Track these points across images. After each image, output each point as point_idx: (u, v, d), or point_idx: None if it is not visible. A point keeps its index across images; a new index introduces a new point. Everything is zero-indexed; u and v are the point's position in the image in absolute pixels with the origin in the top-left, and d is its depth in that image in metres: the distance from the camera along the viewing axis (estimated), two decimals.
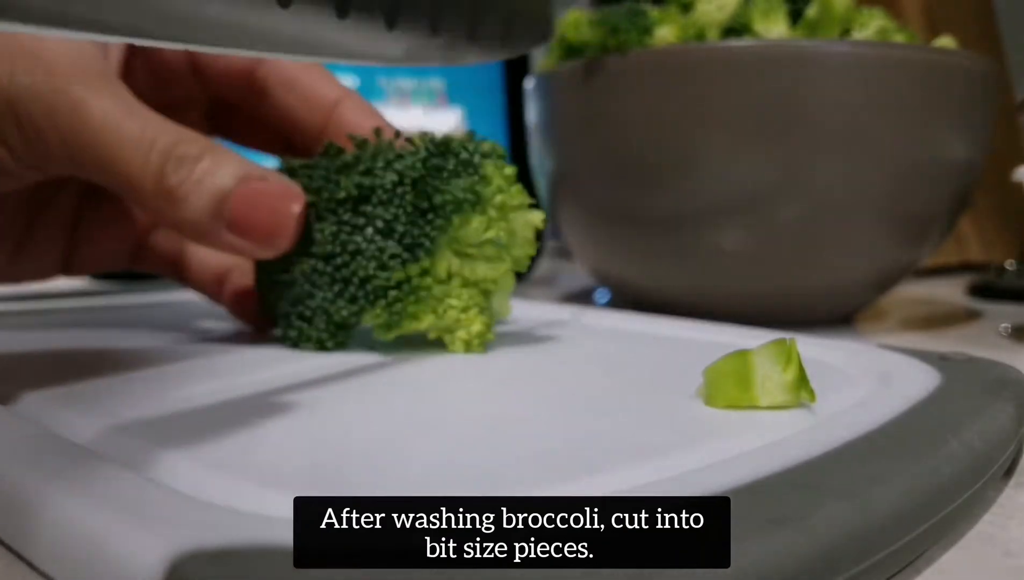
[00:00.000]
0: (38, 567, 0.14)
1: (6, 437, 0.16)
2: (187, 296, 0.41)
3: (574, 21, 0.41)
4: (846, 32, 0.40)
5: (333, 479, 0.15)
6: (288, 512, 0.12)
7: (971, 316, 0.47)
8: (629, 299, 0.44)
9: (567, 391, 0.22)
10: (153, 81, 0.30)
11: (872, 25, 0.39)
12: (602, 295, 0.54)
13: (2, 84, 0.23)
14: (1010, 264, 0.57)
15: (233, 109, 0.32)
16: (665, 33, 0.39)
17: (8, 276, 0.30)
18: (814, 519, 0.13)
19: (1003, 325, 0.43)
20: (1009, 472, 0.20)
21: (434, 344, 0.27)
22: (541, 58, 0.47)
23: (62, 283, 0.43)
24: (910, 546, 0.15)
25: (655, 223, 0.39)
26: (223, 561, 0.11)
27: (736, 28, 0.40)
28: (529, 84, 0.45)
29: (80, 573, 0.13)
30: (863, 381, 0.22)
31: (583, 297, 0.54)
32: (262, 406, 0.20)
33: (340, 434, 0.18)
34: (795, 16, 0.40)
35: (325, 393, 0.22)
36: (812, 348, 0.20)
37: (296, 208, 0.25)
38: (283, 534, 0.12)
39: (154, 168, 0.24)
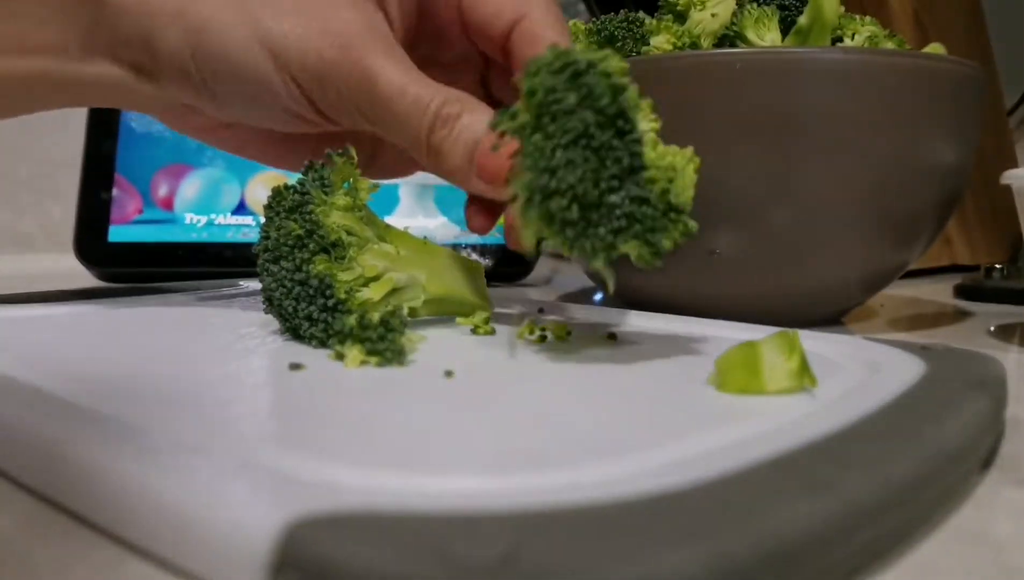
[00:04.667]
0: (153, 553, 0.15)
1: (104, 438, 0.17)
2: (193, 296, 0.41)
3: (571, 30, 0.41)
4: (837, 39, 0.40)
5: (397, 456, 0.17)
6: (384, 484, 0.14)
7: (959, 317, 0.48)
8: (624, 300, 0.44)
9: (589, 381, 0.23)
10: (433, 44, 0.35)
11: (863, 33, 0.40)
12: (598, 296, 0.54)
13: (317, 60, 0.29)
14: (997, 265, 0.58)
15: (498, 66, 0.35)
16: (660, 42, 0.40)
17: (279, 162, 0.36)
18: (843, 486, 0.15)
19: (990, 325, 0.44)
20: (988, 462, 0.21)
21: (461, 342, 0.29)
22: None
23: (73, 286, 0.43)
24: (916, 517, 0.16)
25: None
26: (335, 525, 0.12)
27: (729, 36, 0.40)
28: None
29: (193, 552, 0.14)
30: (854, 370, 0.24)
31: (580, 297, 0.54)
32: (330, 393, 0.22)
33: (396, 417, 0.20)
34: (787, 24, 0.41)
35: (377, 380, 0.23)
36: (805, 341, 0.23)
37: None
38: (375, 503, 0.13)
39: (426, 130, 0.29)
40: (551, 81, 0.23)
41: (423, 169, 0.36)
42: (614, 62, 0.24)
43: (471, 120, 0.30)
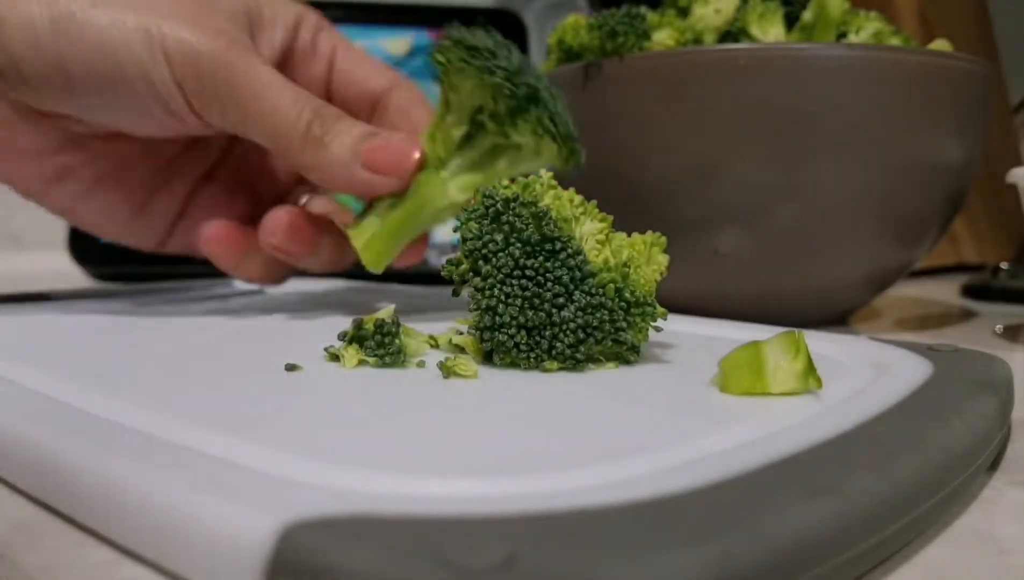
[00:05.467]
0: (146, 557, 0.15)
1: (97, 440, 0.17)
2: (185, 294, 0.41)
3: (573, 25, 0.41)
4: (842, 35, 0.40)
5: (397, 458, 0.17)
6: (381, 488, 0.14)
7: (965, 316, 0.48)
8: None
9: (591, 383, 0.23)
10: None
11: (868, 28, 0.40)
12: None
13: (193, 49, 0.30)
14: (1004, 265, 0.58)
15: None
16: (663, 37, 0.39)
17: (126, 233, 0.36)
18: (849, 489, 0.14)
19: (997, 326, 0.43)
20: (995, 464, 0.21)
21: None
22: (541, 62, 0.48)
23: (65, 285, 0.43)
24: (922, 519, 0.16)
25: (652, 225, 0.39)
26: (332, 529, 0.12)
27: (733, 32, 0.40)
28: None
29: (187, 556, 0.14)
30: (860, 371, 0.24)
31: None
32: (327, 395, 0.22)
33: (394, 419, 0.20)
34: (791, 20, 0.40)
35: (374, 383, 0.23)
36: (810, 341, 0.22)
37: (416, 154, 0.31)
38: (372, 506, 0.13)
39: (304, 121, 0.30)
40: (478, 226, 0.25)
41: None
42: (537, 187, 0.26)
43: (350, 125, 0.31)
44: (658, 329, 0.26)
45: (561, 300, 0.24)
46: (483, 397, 0.22)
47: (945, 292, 0.58)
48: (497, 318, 0.25)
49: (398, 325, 0.26)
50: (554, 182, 0.27)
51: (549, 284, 0.24)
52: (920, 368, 0.23)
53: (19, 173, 0.33)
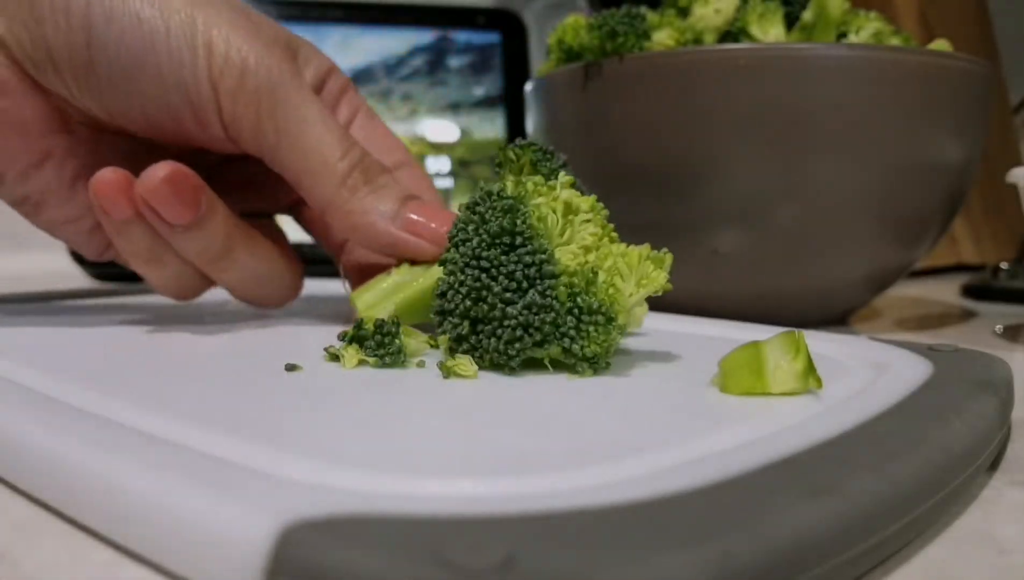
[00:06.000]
0: (146, 557, 0.15)
1: (97, 440, 0.17)
2: None
3: (573, 25, 0.41)
4: (842, 35, 0.40)
5: (396, 458, 0.16)
6: (381, 488, 0.14)
7: (965, 316, 0.48)
8: None
9: (590, 383, 0.23)
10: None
11: (868, 28, 0.40)
12: None
13: (241, 55, 0.28)
14: (1004, 265, 0.58)
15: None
16: (663, 37, 0.39)
17: (85, 237, 0.33)
18: (849, 489, 0.14)
19: (997, 326, 0.43)
20: (995, 464, 0.21)
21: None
22: (541, 62, 0.48)
23: (63, 284, 0.43)
24: (922, 519, 0.16)
25: (652, 225, 0.40)
26: (328, 529, 0.12)
27: (733, 32, 0.40)
28: (528, 88, 0.46)
29: (187, 556, 0.14)
30: (860, 371, 0.24)
31: None
32: (327, 395, 0.22)
33: (394, 419, 0.20)
34: (791, 20, 0.40)
35: (376, 382, 0.23)
36: (810, 341, 0.22)
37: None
38: (372, 506, 0.13)
39: (349, 164, 0.29)
40: (461, 217, 0.25)
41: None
42: (529, 186, 0.26)
43: (397, 181, 0.30)
44: (616, 343, 0.24)
45: (510, 295, 0.24)
46: (483, 397, 0.22)
47: (945, 292, 0.58)
48: (445, 305, 0.25)
49: (398, 325, 0.26)
50: (554, 185, 0.26)
51: (501, 277, 0.24)
52: (920, 368, 0.23)
53: (4, 149, 0.30)
